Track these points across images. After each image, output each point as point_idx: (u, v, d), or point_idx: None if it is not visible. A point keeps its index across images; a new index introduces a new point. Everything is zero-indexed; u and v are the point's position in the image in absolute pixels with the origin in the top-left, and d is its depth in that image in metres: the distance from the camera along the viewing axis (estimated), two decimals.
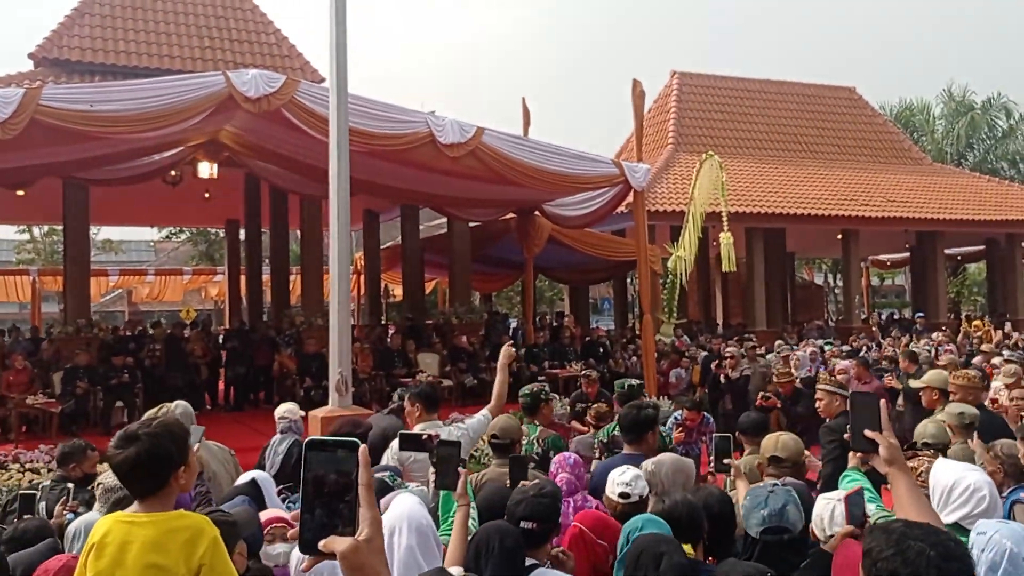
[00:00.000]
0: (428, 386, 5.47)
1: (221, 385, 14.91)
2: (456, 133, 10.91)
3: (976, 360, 10.50)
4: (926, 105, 36.46)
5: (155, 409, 4.79)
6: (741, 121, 23.70)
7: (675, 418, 8.50)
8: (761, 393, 9.13)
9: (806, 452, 4.45)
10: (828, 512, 2.82)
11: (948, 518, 3.72)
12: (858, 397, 2.31)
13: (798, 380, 9.98)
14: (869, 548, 1.66)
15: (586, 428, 9.37)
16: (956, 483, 3.76)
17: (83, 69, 14.06)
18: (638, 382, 6.67)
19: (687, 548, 3.06)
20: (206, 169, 13.11)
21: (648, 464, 4.23)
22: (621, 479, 3.80)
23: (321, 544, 1.29)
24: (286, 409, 6.41)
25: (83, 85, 10.91)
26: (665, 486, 4.06)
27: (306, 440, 1.34)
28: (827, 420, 5.67)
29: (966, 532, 3.70)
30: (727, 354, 11.05)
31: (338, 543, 1.29)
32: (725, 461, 3.83)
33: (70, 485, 4.50)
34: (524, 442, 5.30)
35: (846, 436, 2.37)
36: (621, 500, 3.74)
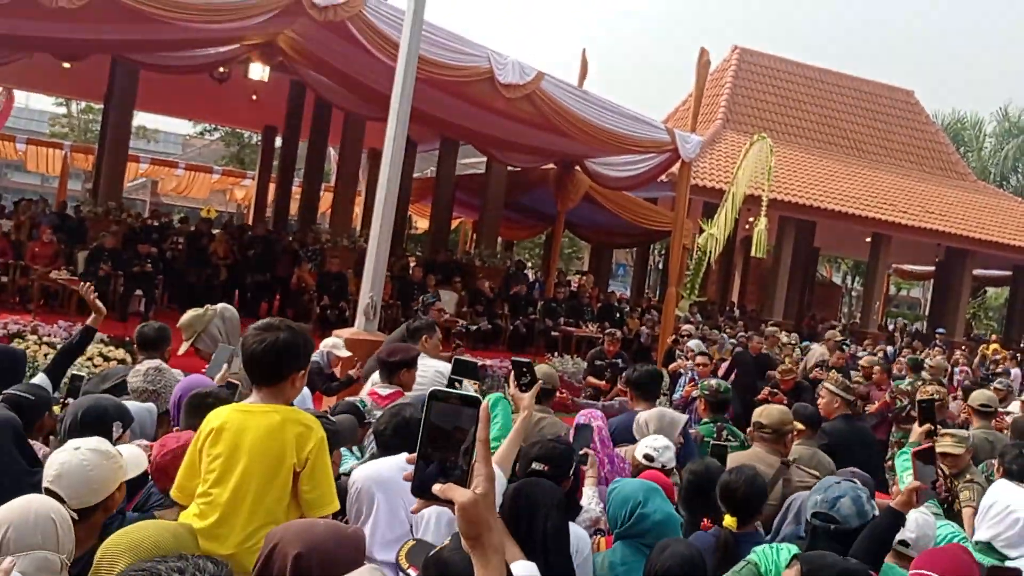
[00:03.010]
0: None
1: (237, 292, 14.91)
2: (516, 74, 10.73)
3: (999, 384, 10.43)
4: (979, 121, 35.84)
5: (201, 311, 4.81)
6: (793, 107, 23.30)
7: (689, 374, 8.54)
8: (768, 389, 9.19)
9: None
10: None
11: (981, 535, 3.72)
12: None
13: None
14: None
15: (603, 383, 9.44)
16: (996, 503, 3.76)
17: None
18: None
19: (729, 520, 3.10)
20: (258, 71, 12.96)
21: (639, 416, 4.42)
22: (653, 444, 3.88)
23: (437, 489, 1.30)
24: (331, 343, 6.54)
25: None
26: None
27: (430, 390, 1.36)
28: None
29: (996, 552, 3.70)
30: (684, 333, 10.92)
31: (457, 493, 1.29)
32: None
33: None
34: None
35: None
36: (645, 461, 3.81)
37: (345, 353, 6.63)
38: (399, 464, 2.92)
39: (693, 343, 9.95)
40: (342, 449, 3.88)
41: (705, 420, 5.15)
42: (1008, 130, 35.29)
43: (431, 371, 5.20)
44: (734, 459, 4.06)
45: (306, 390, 4.31)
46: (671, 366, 9.68)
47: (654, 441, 3.89)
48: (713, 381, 5.40)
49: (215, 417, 2.58)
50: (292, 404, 2.73)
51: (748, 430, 4.60)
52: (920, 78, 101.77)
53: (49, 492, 2.31)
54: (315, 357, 6.48)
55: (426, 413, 1.34)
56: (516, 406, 3.11)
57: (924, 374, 9.95)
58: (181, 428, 3.27)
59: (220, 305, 5.05)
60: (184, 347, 4.77)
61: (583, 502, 3.47)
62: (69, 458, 2.37)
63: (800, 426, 4.61)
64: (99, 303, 4.51)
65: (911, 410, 8.89)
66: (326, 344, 6.60)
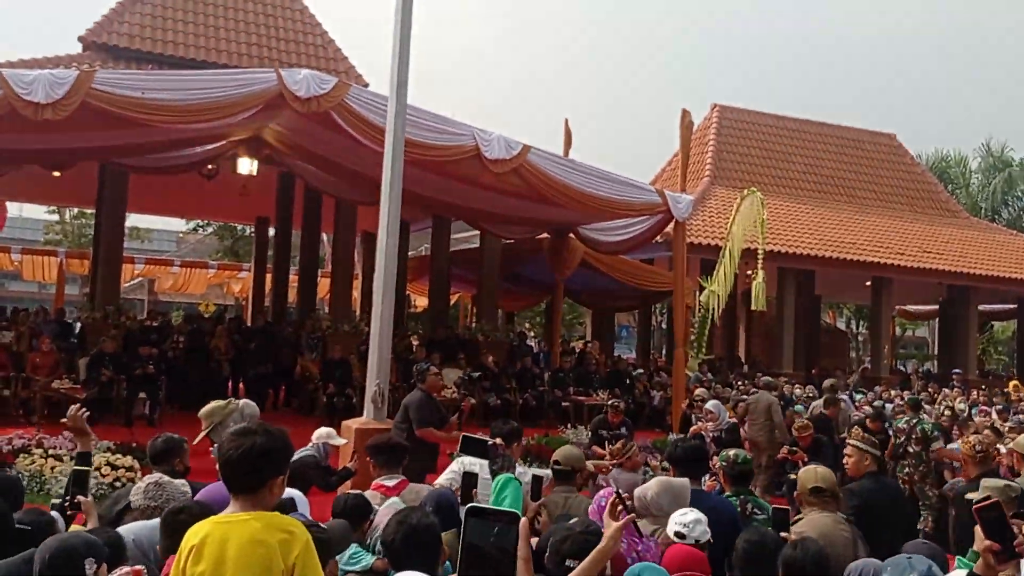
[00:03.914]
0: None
1: (241, 384, 14.74)
2: (502, 149, 10.78)
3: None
4: (963, 158, 36.15)
5: (223, 403, 4.76)
6: (779, 159, 23.51)
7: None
8: (786, 447, 9.01)
9: None
10: None
11: None
12: None
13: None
14: None
15: (604, 452, 9.22)
16: None
17: (131, 56, 14.06)
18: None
19: None
20: (246, 165, 13.05)
21: (638, 491, 4.20)
22: (682, 519, 3.70)
23: None
24: (325, 434, 6.29)
25: (135, 72, 10.89)
26: (656, 510, 4.06)
27: (467, 507, 1.29)
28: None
29: None
30: (698, 397, 10.70)
31: None
32: (782, 535, 3.69)
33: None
34: None
35: None
36: (676, 539, 3.63)
37: (340, 441, 6.41)
38: None
39: (711, 404, 9.75)
40: (355, 547, 3.70)
41: (728, 493, 4.91)
42: (993, 165, 35.57)
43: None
44: (811, 525, 3.92)
45: (299, 494, 4.14)
46: (691, 430, 9.48)
47: (682, 516, 3.70)
48: (731, 452, 5.16)
49: (195, 533, 2.48)
50: (273, 510, 2.64)
51: (796, 494, 4.43)
52: (898, 121, 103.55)
53: None
54: (310, 450, 6.22)
55: (464, 530, 1.36)
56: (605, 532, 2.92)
57: (924, 415, 9.95)
58: (161, 551, 3.10)
59: (243, 400, 5.05)
60: (200, 436, 4.77)
61: None
62: None
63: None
64: (87, 428, 4.35)
65: (907, 446, 9.07)
66: (319, 435, 6.30)
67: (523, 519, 1.30)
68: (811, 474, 4.40)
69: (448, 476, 5.14)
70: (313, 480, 6.04)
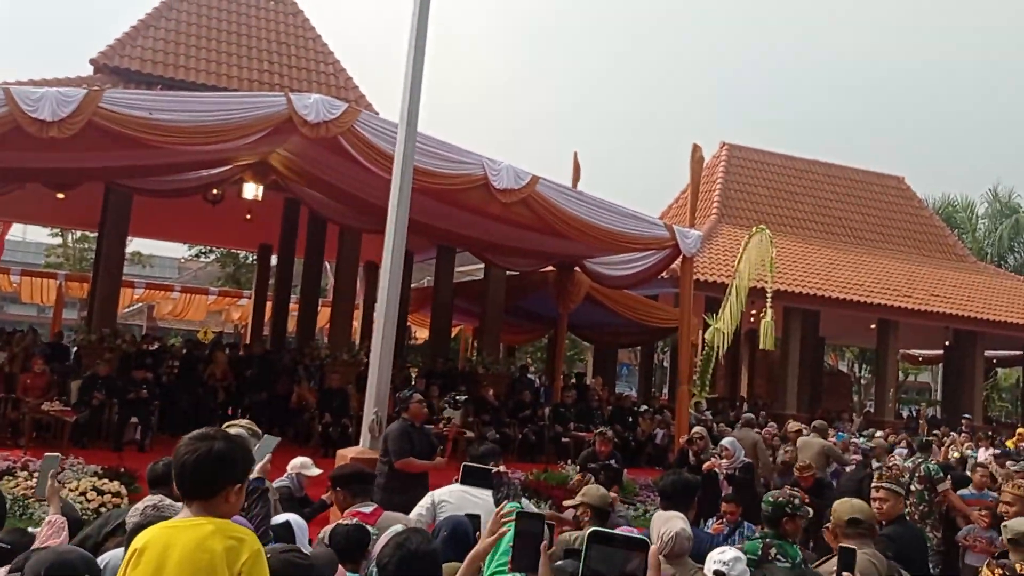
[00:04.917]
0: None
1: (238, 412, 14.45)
2: (511, 179, 10.68)
3: None
4: (970, 203, 36.12)
5: (251, 424, 4.69)
6: (787, 199, 23.46)
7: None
8: (787, 487, 8.76)
9: None
10: None
11: None
12: None
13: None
14: None
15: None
16: None
17: (141, 79, 14.04)
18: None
19: None
20: (251, 190, 12.94)
21: (663, 529, 4.04)
22: (720, 558, 3.60)
23: None
24: (299, 463, 6.05)
25: (144, 92, 10.80)
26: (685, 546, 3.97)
27: (590, 531, 1.26)
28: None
29: None
30: (696, 434, 10.47)
31: None
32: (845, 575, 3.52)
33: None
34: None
35: None
36: None
37: (315, 471, 6.15)
38: None
39: (727, 441, 9.52)
40: None
41: (759, 534, 4.72)
42: (1000, 211, 35.54)
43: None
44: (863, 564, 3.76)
45: (299, 520, 3.96)
46: (704, 466, 9.25)
47: (721, 555, 3.59)
48: (776, 492, 4.99)
49: (139, 538, 2.35)
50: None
51: (831, 527, 4.25)
52: (904, 164, 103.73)
53: None
54: (284, 481, 5.97)
55: (585, 557, 1.24)
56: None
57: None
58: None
59: (268, 436, 4.87)
60: None
61: None
62: None
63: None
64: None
65: (911, 484, 8.85)
66: (293, 465, 6.05)
67: (652, 547, 1.15)
68: (847, 505, 4.26)
69: (417, 513, 4.93)
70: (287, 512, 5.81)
